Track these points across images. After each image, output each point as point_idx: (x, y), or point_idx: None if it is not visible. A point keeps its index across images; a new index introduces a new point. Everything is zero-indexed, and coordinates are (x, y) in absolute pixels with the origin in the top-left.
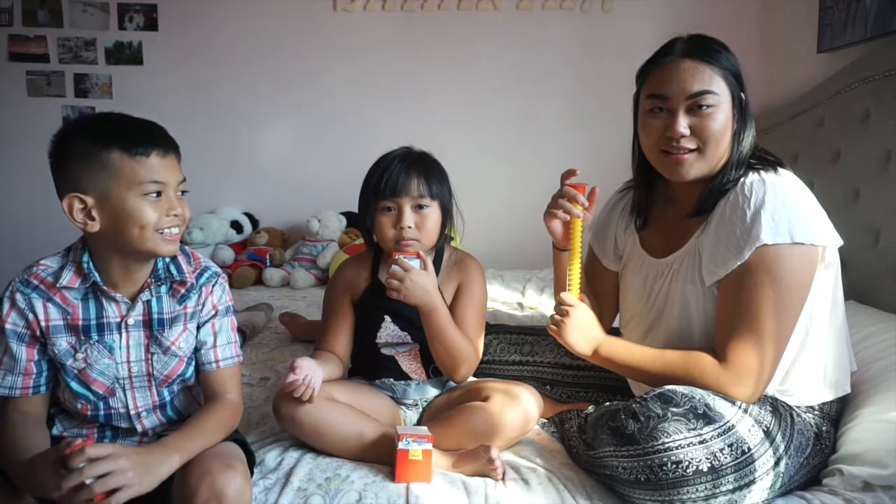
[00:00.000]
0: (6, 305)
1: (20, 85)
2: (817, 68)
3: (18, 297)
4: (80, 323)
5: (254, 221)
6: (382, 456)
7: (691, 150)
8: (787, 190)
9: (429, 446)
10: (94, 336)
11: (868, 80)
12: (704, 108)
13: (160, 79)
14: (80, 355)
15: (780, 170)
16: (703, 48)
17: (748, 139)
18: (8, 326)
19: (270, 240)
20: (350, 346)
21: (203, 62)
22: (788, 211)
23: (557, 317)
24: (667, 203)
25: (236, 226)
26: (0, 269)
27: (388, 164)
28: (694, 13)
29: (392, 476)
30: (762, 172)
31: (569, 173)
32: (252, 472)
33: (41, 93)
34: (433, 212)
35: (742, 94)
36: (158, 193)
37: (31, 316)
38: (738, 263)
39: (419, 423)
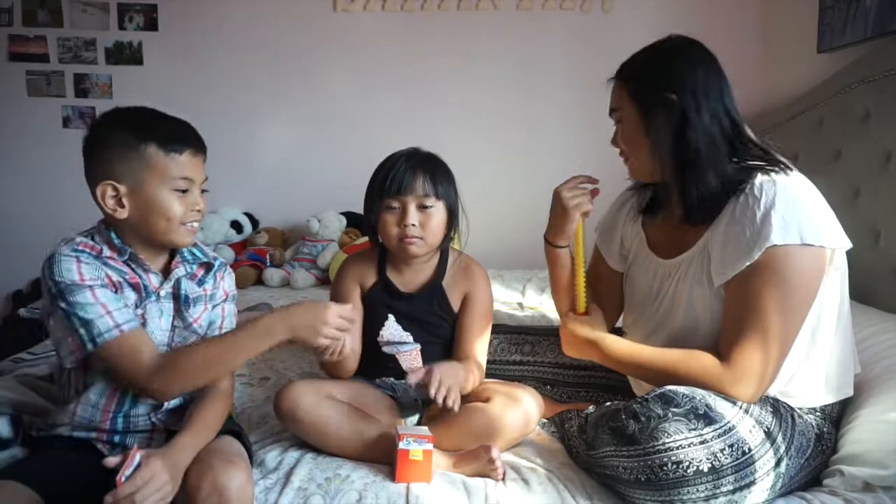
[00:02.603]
0: (73, 264)
1: (20, 85)
2: (817, 68)
3: (83, 256)
4: (141, 281)
5: (254, 221)
6: (382, 456)
7: (627, 158)
8: (797, 192)
9: (429, 446)
10: (153, 296)
11: (868, 80)
12: (618, 123)
13: (160, 79)
14: (139, 311)
15: (791, 172)
16: (623, 65)
17: (694, 144)
18: (88, 280)
19: (270, 240)
20: (360, 339)
21: (203, 62)
22: (799, 212)
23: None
24: (671, 203)
25: (236, 226)
26: (0, 269)
27: (394, 162)
28: (694, 13)
29: (392, 476)
30: (773, 174)
31: (586, 179)
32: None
33: (41, 93)
34: (438, 211)
35: (667, 101)
36: (186, 189)
37: (102, 270)
38: (748, 264)
39: (419, 423)
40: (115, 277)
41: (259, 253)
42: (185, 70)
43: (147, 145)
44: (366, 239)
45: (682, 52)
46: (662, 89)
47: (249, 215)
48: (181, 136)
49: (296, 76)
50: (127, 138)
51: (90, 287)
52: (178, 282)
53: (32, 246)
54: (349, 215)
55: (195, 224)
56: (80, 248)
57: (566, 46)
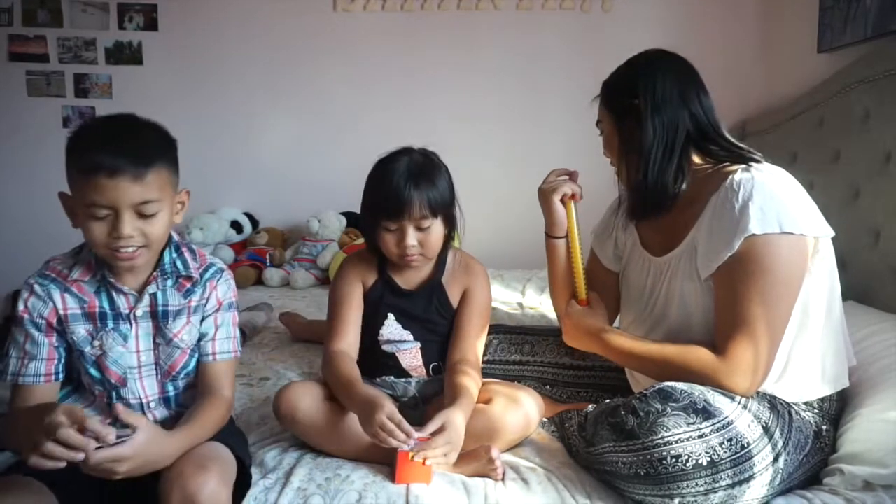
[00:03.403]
0: (24, 295)
1: (20, 85)
2: (817, 68)
3: (37, 287)
4: (97, 310)
5: (254, 221)
6: (382, 456)
7: (612, 164)
8: (774, 183)
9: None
10: (110, 324)
11: (868, 80)
12: (602, 134)
13: (160, 79)
14: (96, 342)
15: (767, 164)
16: (603, 82)
17: (648, 145)
18: (26, 316)
19: (270, 240)
20: (359, 339)
21: (203, 62)
22: (776, 203)
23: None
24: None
25: (236, 226)
26: (2, 268)
27: (389, 180)
28: (694, 13)
29: (392, 476)
30: (752, 167)
31: (567, 171)
32: (248, 469)
33: (41, 93)
34: (436, 227)
35: (627, 104)
36: (108, 214)
37: (50, 304)
38: (729, 254)
39: (420, 422)
40: (65, 310)
41: (259, 253)
42: (185, 70)
43: (71, 163)
44: None
45: (649, 63)
46: (628, 96)
47: (249, 215)
48: (95, 156)
49: (296, 76)
50: (66, 152)
51: (26, 331)
52: (154, 297)
53: (32, 246)
54: (349, 215)
55: (129, 250)
56: (46, 273)
57: (566, 46)
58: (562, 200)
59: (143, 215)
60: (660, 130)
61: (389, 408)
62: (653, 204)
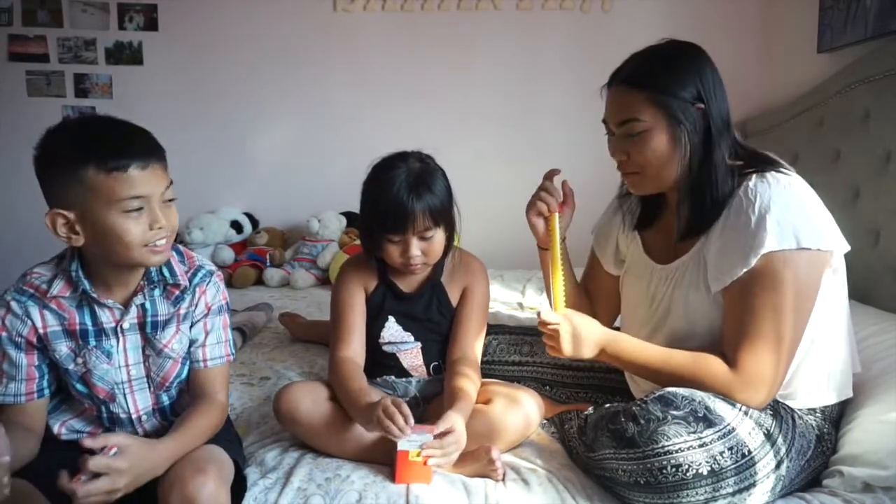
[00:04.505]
0: (1, 313)
1: (20, 85)
2: (817, 68)
3: (14, 304)
4: (78, 328)
5: (254, 221)
6: (382, 456)
7: (634, 173)
8: (792, 193)
9: (429, 437)
10: (92, 342)
11: (868, 80)
12: (634, 135)
13: (160, 79)
14: (79, 360)
15: (783, 171)
16: (638, 72)
17: (718, 153)
18: (4, 334)
19: (270, 240)
20: (364, 345)
21: (203, 62)
22: (794, 215)
23: (547, 340)
24: (670, 209)
25: (236, 226)
26: (2, 270)
27: (389, 193)
28: (694, 13)
29: (392, 476)
30: (767, 175)
31: (552, 172)
32: (243, 472)
33: (41, 93)
34: (438, 235)
35: (695, 112)
36: (141, 208)
37: (28, 322)
38: (745, 270)
39: (420, 422)
40: (44, 327)
41: (259, 253)
42: (185, 70)
43: (86, 167)
44: None
45: (697, 60)
46: (691, 100)
47: (249, 215)
48: (122, 151)
49: (296, 76)
50: (65, 161)
51: (5, 350)
52: (143, 308)
53: (32, 246)
54: (349, 215)
55: (162, 242)
56: (24, 288)
57: (566, 46)
58: (545, 214)
59: (169, 200)
60: (722, 134)
61: (392, 397)
62: (708, 219)
